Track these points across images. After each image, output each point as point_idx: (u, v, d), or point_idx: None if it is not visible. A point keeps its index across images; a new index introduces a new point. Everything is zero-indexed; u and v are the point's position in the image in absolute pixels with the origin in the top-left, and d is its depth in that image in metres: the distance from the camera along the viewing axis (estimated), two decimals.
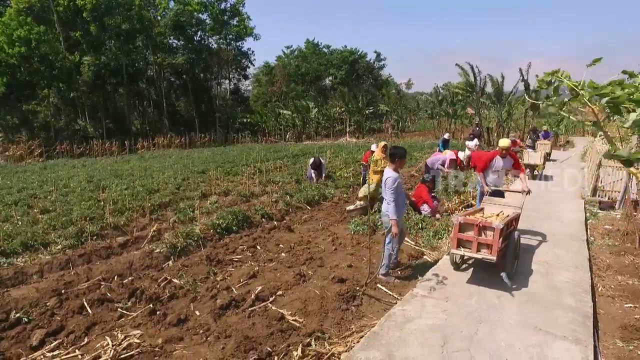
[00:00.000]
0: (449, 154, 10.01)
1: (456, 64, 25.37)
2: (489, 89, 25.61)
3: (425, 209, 8.27)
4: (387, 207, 5.03)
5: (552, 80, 1.70)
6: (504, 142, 6.54)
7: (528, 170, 12.86)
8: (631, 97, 1.51)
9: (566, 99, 1.71)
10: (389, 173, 5.08)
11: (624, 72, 1.78)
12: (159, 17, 35.81)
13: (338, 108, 39.30)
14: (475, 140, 15.24)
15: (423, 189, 8.40)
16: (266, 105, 44.35)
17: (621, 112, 1.64)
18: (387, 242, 5.21)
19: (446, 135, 16.34)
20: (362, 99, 38.02)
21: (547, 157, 14.26)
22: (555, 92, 1.74)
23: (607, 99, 1.54)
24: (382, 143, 8.49)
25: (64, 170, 16.98)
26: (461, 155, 13.51)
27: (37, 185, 12.27)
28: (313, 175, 11.91)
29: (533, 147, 15.36)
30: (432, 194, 8.61)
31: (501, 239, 4.54)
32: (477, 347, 3.55)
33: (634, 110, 1.54)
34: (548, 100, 1.78)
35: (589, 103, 1.60)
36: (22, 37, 25.27)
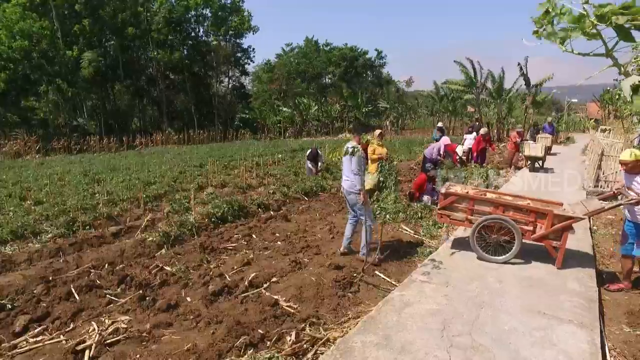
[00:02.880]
0: (443, 139, 9.81)
1: (454, 61, 25.20)
2: (489, 84, 25.47)
3: (425, 199, 8.15)
4: (354, 181, 4.90)
5: (550, 10, 1.51)
6: (623, 155, 4.50)
7: (529, 162, 12.75)
8: None
9: (569, 30, 1.52)
10: (356, 145, 4.98)
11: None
12: (156, 12, 35.50)
13: (338, 105, 39.16)
14: (474, 134, 15.04)
15: (422, 178, 8.30)
16: (266, 102, 44.17)
17: (633, 38, 1.47)
18: (364, 220, 5.05)
19: (440, 124, 15.98)
20: (361, 96, 37.85)
21: (547, 151, 14.12)
22: (550, 22, 1.54)
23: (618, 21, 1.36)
24: (378, 131, 8.33)
25: (61, 165, 16.82)
26: (459, 149, 13.31)
27: (33, 179, 12.11)
28: (311, 166, 11.74)
29: (534, 141, 15.21)
30: (433, 187, 8.47)
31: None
32: (479, 332, 3.41)
33: None
34: (544, 27, 1.57)
35: (595, 22, 1.42)
36: (24, 31, 25.07)
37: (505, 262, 4.89)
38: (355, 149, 4.92)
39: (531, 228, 4.95)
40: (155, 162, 16.43)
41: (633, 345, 3.55)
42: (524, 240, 4.90)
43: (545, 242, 4.92)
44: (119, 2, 31.07)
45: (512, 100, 27.42)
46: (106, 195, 8.85)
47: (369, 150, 7.78)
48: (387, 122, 38.74)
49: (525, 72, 23.15)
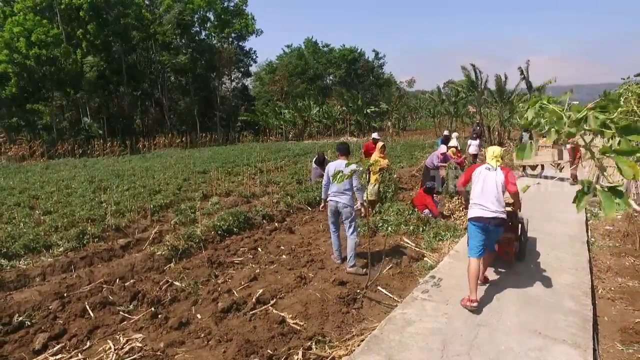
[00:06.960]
0: (441, 147, 10.02)
1: (461, 66, 25.39)
2: (491, 87, 25.59)
3: (426, 212, 8.28)
4: (357, 195, 5.42)
5: (537, 109, 1.70)
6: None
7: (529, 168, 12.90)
8: (612, 119, 1.51)
9: (546, 128, 1.71)
10: (344, 164, 5.29)
11: (605, 93, 1.79)
12: (161, 15, 35.65)
13: (339, 107, 39.33)
14: (478, 140, 15.16)
15: (427, 198, 8.32)
16: (267, 104, 44.36)
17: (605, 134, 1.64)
18: (350, 233, 5.50)
19: (446, 132, 16.03)
20: (361, 98, 38.00)
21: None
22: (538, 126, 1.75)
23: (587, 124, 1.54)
24: (381, 144, 8.47)
25: (66, 170, 17.04)
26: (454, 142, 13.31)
27: (39, 186, 12.31)
28: (320, 171, 11.87)
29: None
30: (435, 193, 8.60)
31: None
32: (477, 351, 3.57)
33: (618, 135, 1.54)
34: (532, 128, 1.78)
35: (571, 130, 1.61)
36: (42, 39, 25.43)
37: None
38: (352, 170, 5.08)
39: None
40: (159, 167, 16.63)
41: None
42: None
43: None
44: (122, 7, 31.27)
45: (515, 103, 27.53)
46: (113, 205, 9.03)
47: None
48: (389, 124, 38.90)
49: (526, 76, 23.25)
